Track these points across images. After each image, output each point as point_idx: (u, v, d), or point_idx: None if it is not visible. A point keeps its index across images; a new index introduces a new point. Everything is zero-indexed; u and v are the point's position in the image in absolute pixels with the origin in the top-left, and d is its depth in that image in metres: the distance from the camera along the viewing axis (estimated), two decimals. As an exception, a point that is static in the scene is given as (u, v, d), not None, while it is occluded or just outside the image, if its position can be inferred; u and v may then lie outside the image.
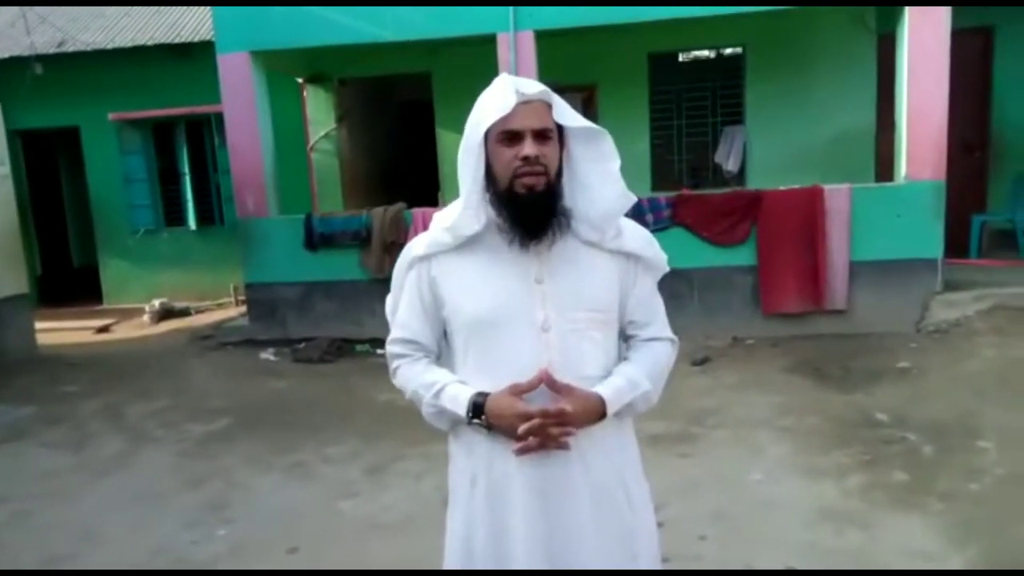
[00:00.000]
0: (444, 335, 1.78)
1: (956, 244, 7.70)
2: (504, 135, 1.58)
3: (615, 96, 9.08)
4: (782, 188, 7.10)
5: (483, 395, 1.62)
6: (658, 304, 1.80)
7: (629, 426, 1.80)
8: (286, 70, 9.37)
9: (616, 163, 1.66)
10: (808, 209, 6.88)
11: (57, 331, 9.33)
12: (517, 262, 1.64)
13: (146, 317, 9.91)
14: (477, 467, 1.69)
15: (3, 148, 8.04)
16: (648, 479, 1.86)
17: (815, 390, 5.59)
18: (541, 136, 1.58)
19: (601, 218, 1.66)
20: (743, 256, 7.14)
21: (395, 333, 1.80)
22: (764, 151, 8.92)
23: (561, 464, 1.63)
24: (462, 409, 1.64)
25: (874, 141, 8.51)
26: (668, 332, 1.80)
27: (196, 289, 10.48)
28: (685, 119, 9.24)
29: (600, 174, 1.65)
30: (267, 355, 7.43)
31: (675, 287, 7.24)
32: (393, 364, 1.80)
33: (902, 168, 6.94)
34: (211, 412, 5.75)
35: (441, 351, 1.79)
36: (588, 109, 9.23)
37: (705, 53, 9.46)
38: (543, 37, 7.45)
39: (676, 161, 9.36)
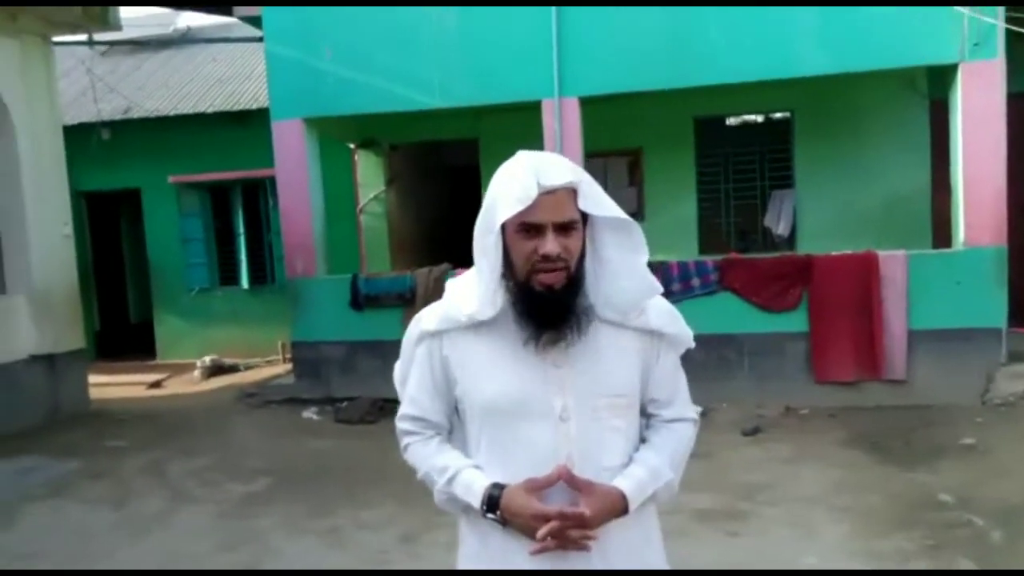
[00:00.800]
0: (456, 411, 1.68)
1: (1019, 311, 7.37)
2: (523, 227, 1.48)
3: (661, 160, 9.09)
4: (834, 253, 6.94)
5: (499, 488, 1.52)
6: (681, 380, 1.70)
7: (652, 515, 1.68)
8: (339, 136, 9.64)
9: (644, 256, 1.57)
10: (862, 275, 6.70)
11: (111, 386, 9.54)
12: (532, 346, 1.54)
13: (197, 373, 10.07)
14: (492, 560, 1.58)
15: (67, 210, 8.36)
16: (673, 562, 1.73)
17: (874, 466, 5.32)
18: (564, 228, 1.47)
19: (626, 305, 1.57)
20: (795, 322, 6.95)
21: (405, 408, 1.70)
22: (815, 215, 8.78)
23: (580, 563, 1.52)
24: (476, 500, 1.53)
25: (929, 205, 8.30)
26: (690, 411, 1.70)
27: (246, 346, 10.65)
28: (733, 182, 9.18)
29: (628, 264, 1.55)
30: (310, 414, 7.44)
31: (723, 352, 7.07)
32: (403, 441, 1.70)
33: (960, 234, 6.73)
34: (251, 472, 5.73)
35: (453, 427, 1.70)
36: (633, 173, 9.27)
37: (752, 117, 9.43)
38: (588, 103, 7.52)
39: (724, 224, 9.26)
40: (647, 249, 1.57)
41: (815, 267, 6.87)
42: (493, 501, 1.51)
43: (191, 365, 10.28)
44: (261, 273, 11.09)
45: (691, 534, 4.28)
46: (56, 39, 8.73)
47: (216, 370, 10.10)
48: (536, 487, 1.49)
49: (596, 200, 1.51)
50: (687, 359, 6.41)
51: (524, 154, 1.55)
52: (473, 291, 1.57)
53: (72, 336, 8.19)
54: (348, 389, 7.72)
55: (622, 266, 1.55)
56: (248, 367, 10.33)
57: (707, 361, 7.10)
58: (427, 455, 1.64)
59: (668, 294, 6.37)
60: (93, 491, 5.48)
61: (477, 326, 1.57)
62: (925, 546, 3.95)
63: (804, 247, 8.48)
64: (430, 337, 1.63)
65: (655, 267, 7.07)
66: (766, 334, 7.00)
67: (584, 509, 1.46)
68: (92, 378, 9.02)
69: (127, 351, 11.65)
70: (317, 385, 7.90)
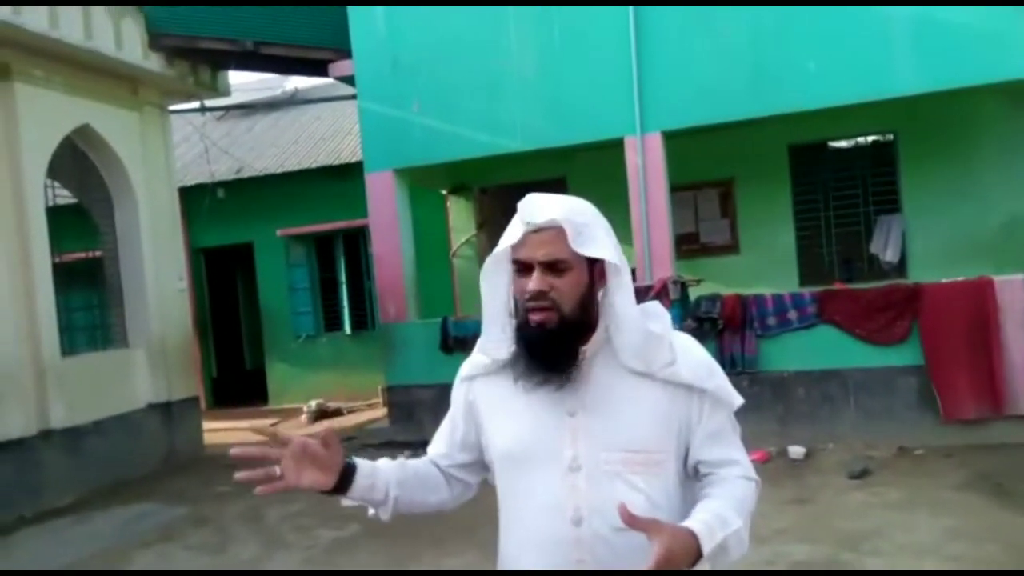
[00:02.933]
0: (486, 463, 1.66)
1: None
2: (516, 264, 1.48)
3: (754, 190, 8.82)
4: (944, 281, 6.49)
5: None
6: (734, 443, 1.54)
7: None
8: (430, 184, 9.91)
9: (629, 299, 1.50)
10: (977, 303, 6.22)
11: (226, 431, 10.02)
12: (550, 393, 1.49)
13: (303, 417, 10.46)
14: None
15: (182, 266, 8.93)
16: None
17: (995, 511, 4.86)
18: (552, 267, 1.44)
19: (638, 354, 1.49)
20: (906, 355, 6.51)
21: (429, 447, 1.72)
22: (926, 241, 8.26)
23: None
24: None
25: (1054, 225, 7.65)
26: (753, 473, 1.54)
27: (349, 390, 10.99)
28: (833, 210, 8.76)
29: (624, 311, 1.48)
30: (403, 457, 7.52)
31: (826, 389, 6.71)
32: None
33: (1088, 255, 6.14)
34: (342, 518, 5.80)
35: (452, 479, 1.69)
36: (725, 204, 9.02)
37: (852, 140, 9.01)
38: (673, 136, 7.41)
39: (826, 253, 8.84)
40: (632, 292, 1.50)
41: (924, 296, 6.43)
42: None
43: (299, 410, 10.68)
44: (362, 319, 11.46)
45: (784, 587, 4.03)
46: (172, 108, 9.46)
47: (321, 414, 10.45)
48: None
49: (588, 240, 1.44)
50: (787, 395, 6.16)
51: (529, 195, 1.52)
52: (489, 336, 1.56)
53: (186, 384, 8.69)
54: (441, 432, 7.78)
55: (623, 312, 1.48)
56: (351, 411, 10.63)
57: (809, 398, 6.76)
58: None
59: (764, 328, 6.14)
60: (197, 537, 5.73)
61: (499, 370, 1.56)
62: (1051, 605, 3.55)
63: (915, 275, 7.97)
64: (465, 382, 1.65)
65: (749, 301, 6.83)
66: (874, 369, 6.59)
67: (658, 553, 1.26)
68: (208, 424, 9.53)
69: (242, 397, 12.24)
70: (411, 428, 8.02)
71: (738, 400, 1.55)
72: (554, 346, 1.45)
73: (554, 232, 1.44)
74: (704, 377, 1.50)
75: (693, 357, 1.52)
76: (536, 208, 1.45)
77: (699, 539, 1.32)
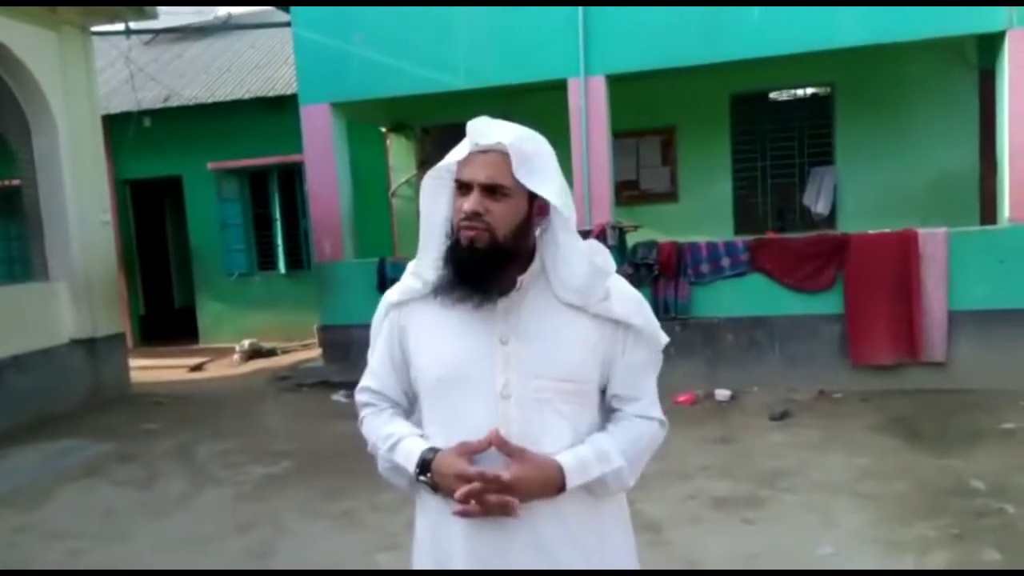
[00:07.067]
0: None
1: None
2: (457, 184, 1.47)
3: (695, 138, 8.88)
4: (871, 232, 6.69)
5: (435, 451, 1.49)
6: (649, 380, 1.60)
7: (614, 512, 1.59)
8: (370, 120, 9.65)
9: (577, 239, 1.50)
10: (900, 254, 6.44)
11: (155, 369, 9.79)
12: (483, 319, 1.50)
13: (236, 357, 10.28)
14: (427, 533, 1.58)
15: (106, 197, 8.54)
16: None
17: (905, 452, 5.12)
18: (491, 191, 1.43)
19: (580, 287, 1.51)
20: (829, 303, 6.73)
21: (364, 381, 1.69)
22: (857, 193, 8.49)
23: (506, 538, 1.47)
24: (412, 464, 1.50)
25: (978, 181, 7.94)
26: (657, 412, 1.59)
27: (284, 330, 10.81)
28: (770, 160, 8.91)
29: (571, 247, 1.49)
30: (338, 397, 7.51)
31: (754, 335, 6.91)
32: (361, 413, 1.70)
33: (1005, 211, 6.41)
34: (274, 454, 5.81)
35: (411, 405, 1.66)
36: (667, 152, 9.07)
37: (790, 92, 9.12)
38: (617, 81, 7.36)
39: (761, 203, 9.02)
40: (576, 233, 1.51)
41: (851, 246, 6.63)
42: (426, 463, 1.48)
43: (231, 349, 10.49)
44: (297, 258, 11.23)
45: (705, 521, 4.19)
46: (95, 29, 8.90)
47: (254, 354, 10.29)
48: (468, 451, 1.45)
49: (532, 172, 1.43)
50: (716, 340, 6.32)
51: (482, 117, 1.50)
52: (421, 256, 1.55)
53: (112, 321, 8.40)
54: (376, 372, 7.75)
55: (568, 249, 1.49)
56: (285, 351, 10.50)
57: (737, 344, 6.95)
58: (377, 425, 1.63)
59: (697, 275, 6.25)
60: (123, 473, 5.62)
61: (432, 295, 1.54)
62: (950, 535, 3.78)
63: (845, 226, 8.21)
64: (393, 308, 1.62)
65: (684, 248, 6.93)
66: (799, 316, 6.80)
67: (504, 473, 1.40)
68: (136, 362, 9.28)
69: (171, 335, 11.94)
70: (346, 368, 7.96)
71: (664, 338, 1.60)
72: (481, 267, 1.45)
73: (499, 156, 1.43)
74: (633, 313, 1.55)
75: (625, 294, 1.56)
76: (485, 129, 1.45)
77: (565, 474, 1.44)
